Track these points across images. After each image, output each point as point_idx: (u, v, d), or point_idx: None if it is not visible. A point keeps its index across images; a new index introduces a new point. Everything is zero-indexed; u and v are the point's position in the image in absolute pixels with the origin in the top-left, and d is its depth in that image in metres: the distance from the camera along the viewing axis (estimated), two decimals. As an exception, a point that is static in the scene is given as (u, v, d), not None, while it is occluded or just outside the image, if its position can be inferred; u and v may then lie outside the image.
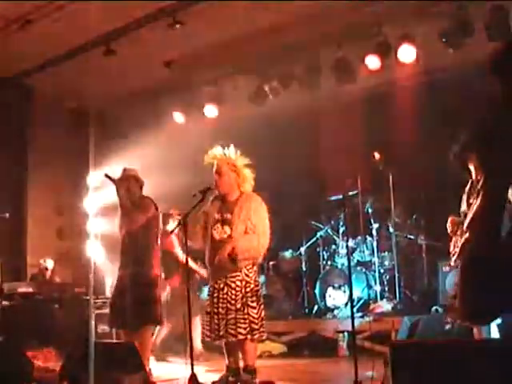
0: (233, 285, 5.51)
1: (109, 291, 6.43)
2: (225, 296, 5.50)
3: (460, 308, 1.77)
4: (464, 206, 5.39)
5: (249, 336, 5.43)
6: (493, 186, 1.83)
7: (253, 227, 5.55)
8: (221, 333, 5.45)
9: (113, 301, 6.31)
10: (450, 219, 5.52)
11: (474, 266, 1.82)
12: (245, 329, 5.41)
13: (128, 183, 6.24)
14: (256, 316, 5.48)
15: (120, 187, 6.14)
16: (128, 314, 5.91)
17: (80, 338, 8.13)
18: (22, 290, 8.20)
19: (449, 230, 5.50)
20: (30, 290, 8.26)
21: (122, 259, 6.25)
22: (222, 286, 5.54)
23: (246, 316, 5.43)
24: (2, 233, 9.30)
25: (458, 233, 5.37)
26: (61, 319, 8.51)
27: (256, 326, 5.46)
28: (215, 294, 5.57)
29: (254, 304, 5.51)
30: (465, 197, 5.41)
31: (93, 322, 8.54)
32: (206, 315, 5.66)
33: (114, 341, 8.17)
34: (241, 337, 5.41)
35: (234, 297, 5.47)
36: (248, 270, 5.56)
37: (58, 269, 9.49)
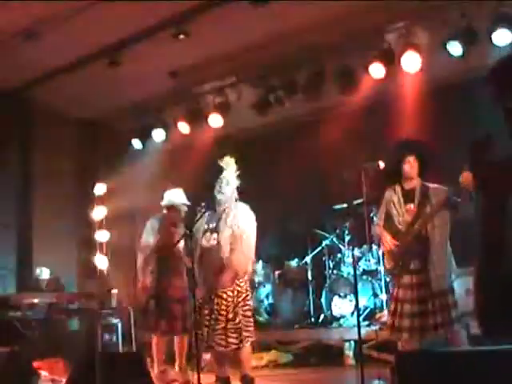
0: (224, 295, 5.51)
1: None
2: (216, 307, 5.51)
3: (479, 326, 1.77)
4: (398, 213, 5.41)
5: (240, 345, 5.44)
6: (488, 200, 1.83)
7: (239, 232, 5.56)
8: (210, 343, 5.46)
9: (146, 306, 6.69)
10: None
11: (485, 285, 1.82)
12: (236, 338, 5.42)
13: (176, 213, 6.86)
14: (249, 324, 5.52)
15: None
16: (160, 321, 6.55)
17: (87, 349, 8.18)
18: (28, 300, 8.21)
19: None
20: (36, 300, 8.26)
21: (158, 271, 6.68)
22: (212, 297, 5.56)
23: (237, 325, 5.44)
24: (7, 243, 9.33)
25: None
26: (67, 330, 8.52)
27: (247, 334, 5.48)
28: (205, 306, 5.57)
29: (248, 313, 5.54)
30: (397, 205, 5.43)
31: (99, 333, 8.55)
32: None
33: (121, 351, 8.19)
34: (233, 346, 5.43)
35: (224, 308, 5.48)
36: (239, 280, 5.58)
37: (65, 280, 9.48)
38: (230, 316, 5.45)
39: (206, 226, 5.74)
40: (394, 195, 5.47)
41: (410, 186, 5.42)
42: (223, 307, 5.48)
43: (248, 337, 5.51)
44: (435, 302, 5.13)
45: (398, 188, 5.47)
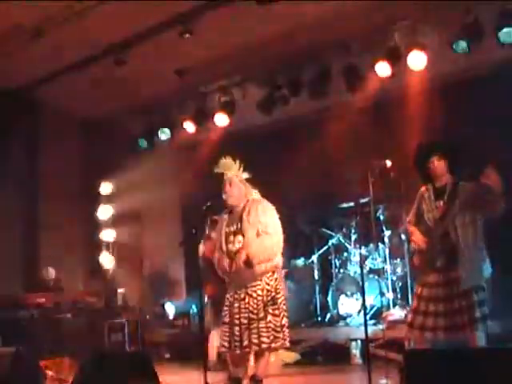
0: (254, 294, 5.44)
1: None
2: (246, 306, 5.44)
3: None
4: (428, 210, 5.42)
5: (272, 344, 5.38)
6: None
7: (264, 228, 5.49)
8: (244, 343, 5.38)
9: None
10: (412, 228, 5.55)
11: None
12: (268, 337, 5.36)
13: None
14: (278, 324, 5.43)
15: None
16: None
17: (93, 348, 8.18)
18: (35, 300, 8.22)
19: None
20: (43, 300, 8.27)
21: None
22: (242, 295, 5.49)
23: (268, 324, 5.39)
24: (14, 243, 9.35)
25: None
26: (74, 329, 8.53)
27: (278, 334, 5.41)
28: (236, 304, 5.51)
29: (276, 312, 5.46)
30: (428, 202, 5.45)
31: (106, 332, 8.56)
32: (224, 326, 5.58)
33: (127, 350, 8.19)
34: (264, 346, 5.36)
35: (255, 306, 5.41)
36: (268, 278, 5.50)
37: (71, 279, 9.51)
38: (261, 315, 5.40)
39: (227, 230, 5.67)
40: (426, 192, 5.50)
41: (440, 184, 5.45)
42: (254, 306, 5.44)
43: (280, 338, 5.42)
44: (462, 301, 5.08)
45: (430, 185, 5.50)
